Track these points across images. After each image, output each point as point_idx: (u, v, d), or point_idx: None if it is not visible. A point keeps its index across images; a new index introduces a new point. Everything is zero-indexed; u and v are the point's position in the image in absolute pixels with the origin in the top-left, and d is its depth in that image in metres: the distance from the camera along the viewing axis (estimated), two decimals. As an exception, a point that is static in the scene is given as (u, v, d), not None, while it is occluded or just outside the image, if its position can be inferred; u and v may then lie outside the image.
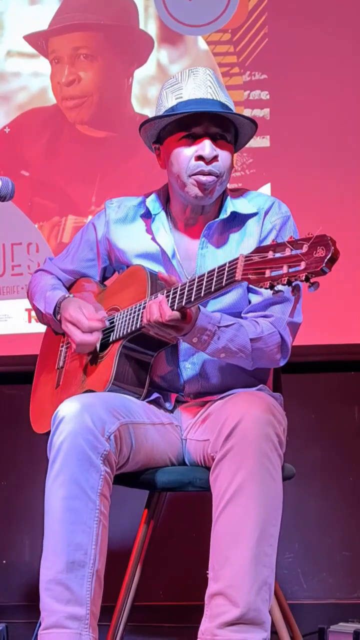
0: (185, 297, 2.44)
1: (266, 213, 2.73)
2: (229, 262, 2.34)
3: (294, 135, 3.92)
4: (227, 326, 2.55)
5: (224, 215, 2.71)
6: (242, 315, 2.70)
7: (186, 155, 2.64)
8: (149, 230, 2.78)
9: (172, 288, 2.49)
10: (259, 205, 2.75)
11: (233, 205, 2.73)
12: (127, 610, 2.85)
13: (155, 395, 2.71)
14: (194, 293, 2.42)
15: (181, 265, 2.75)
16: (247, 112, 3.93)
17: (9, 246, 4.03)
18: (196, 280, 2.42)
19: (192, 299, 2.42)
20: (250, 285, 2.65)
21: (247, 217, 2.73)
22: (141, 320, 2.54)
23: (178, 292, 2.46)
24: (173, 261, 2.74)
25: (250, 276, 2.24)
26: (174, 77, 2.70)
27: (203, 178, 2.63)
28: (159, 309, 2.45)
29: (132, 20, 4.05)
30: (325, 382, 3.92)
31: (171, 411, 2.74)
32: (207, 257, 2.71)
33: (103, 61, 4.05)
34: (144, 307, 2.56)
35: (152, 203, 2.79)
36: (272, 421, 2.40)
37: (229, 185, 2.78)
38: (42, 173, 4.06)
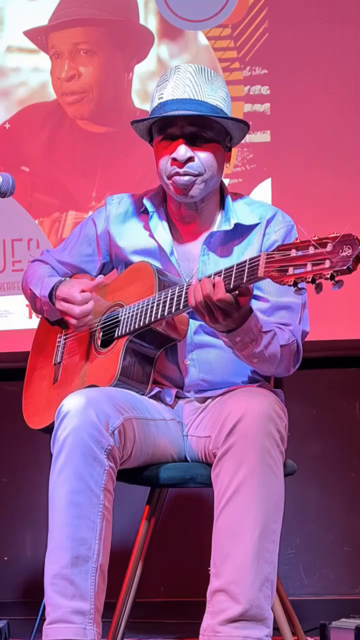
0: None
1: (268, 222, 2.73)
2: (249, 260, 2.32)
3: (295, 130, 3.91)
4: (266, 332, 2.53)
5: (227, 226, 2.71)
6: None
7: (163, 157, 2.65)
8: (147, 227, 2.78)
9: (186, 284, 2.48)
10: (261, 214, 2.74)
11: (236, 214, 2.72)
12: (129, 606, 2.85)
13: (156, 389, 2.71)
14: None
15: (179, 265, 2.74)
16: (247, 107, 3.92)
17: (9, 242, 4.03)
18: (213, 276, 2.42)
19: None
20: (255, 293, 2.67)
21: (250, 227, 2.73)
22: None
23: (184, 291, 2.46)
24: (171, 258, 2.74)
25: (273, 273, 2.23)
26: (165, 73, 2.70)
27: (178, 179, 2.63)
28: (216, 286, 2.38)
29: (132, 15, 4.05)
30: (326, 378, 3.92)
31: (172, 406, 2.74)
32: (208, 265, 2.70)
33: (103, 56, 4.05)
34: (152, 303, 2.56)
35: (151, 200, 2.79)
36: (273, 417, 2.40)
37: (230, 187, 2.78)
38: (43, 168, 4.06)
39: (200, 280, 2.41)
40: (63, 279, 2.81)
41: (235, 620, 2.32)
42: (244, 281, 2.33)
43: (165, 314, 2.54)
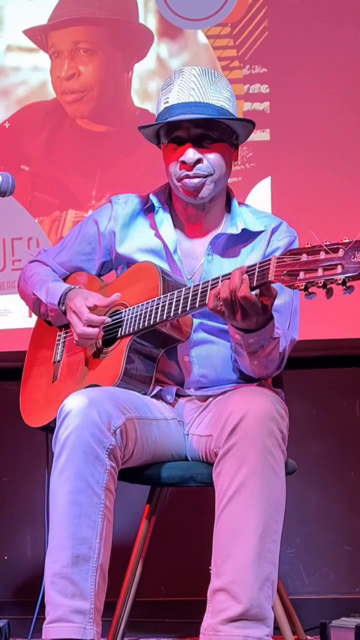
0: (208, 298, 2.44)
1: (274, 230, 2.75)
2: (259, 263, 2.33)
3: (294, 129, 3.91)
4: (274, 339, 2.54)
5: (234, 230, 2.73)
6: None
7: (172, 160, 2.68)
8: (152, 225, 2.79)
9: (193, 287, 2.49)
10: (267, 223, 2.77)
11: (243, 220, 2.74)
12: (129, 605, 2.85)
13: (157, 388, 2.71)
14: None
15: (181, 262, 2.75)
16: (247, 106, 3.92)
17: (9, 241, 4.02)
18: (220, 279, 2.42)
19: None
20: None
21: (255, 234, 2.74)
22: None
23: (200, 289, 2.47)
24: (174, 256, 2.74)
25: (283, 277, 2.23)
26: (169, 76, 2.72)
27: (188, 182, 2.65)
28: (243, 282, 2.36)
29: (131, 14, 4.04)
30: (326, 377, 3.92)
31: (172, 404, 2.74)
32: (212, 265, 2.71)
33: (103, 55, 4.04)
34: (157, 304, 2.56)
35: (157, 198, 2.80)
36: (275, 417, 2.40)
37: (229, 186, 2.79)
38: (42, 168, 4.06)
39: (230, 276, 2.39)
40: (73, 286, 2.80)
41: (235, 619, 2.32)
42: (254, 285, 2.33)
43: (172, 315, 2.55)
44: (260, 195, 3.83)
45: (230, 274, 2.38)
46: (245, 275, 2.35)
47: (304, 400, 3.84)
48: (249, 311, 2.37)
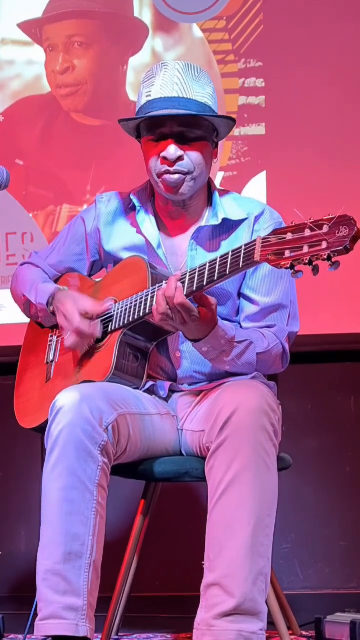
0: (196, 281, 2.43)
1: (257, 219, 2.74)
2: (245, 245, 2.34)
3: (290, 123, 3.91)
4: (239, 342, 2.55)
5: (215, 221, 2.72)
6: (242, 326, 2.70)
7: (153, 156, 2.66)
8: (134, 223, 2.79)
9: (182, 273, 2.48)
10: (249, 210, 2.75)
11: (224, 209, 2.73)
12: (124, 601, 2.85)
13: (149, 383, 2.71)
14: (206, 276, 2.41)
15: (167, 259, 2.74)
16: (242, 100, 3.92)
17: (4, 236, 4.02)
18: (207, 265, 2.42)
19: (205, 283, 2.41)
20: (244, 293, 2.67)
21: (237, 222, 2.73)
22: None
23: (187, 277, 2.46)
24: (159, 252, 2.74)
25: (269, 257, 2.24)
26: (150, 69, 2.69)
27: (168, 178, 2.63)
28: (177, 290, 2.43)
29: (126, 7, 4.04)
30: (322, 372, 3.92)
31: (166, 399, 2.73)
32: (197, 260, 2.70)
33: (98, 49, 4.04)
34: (146, 296, 2.56)
35: (138, 196, 2.80)
36: (267, 411, 2.40)
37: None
38: (37, 162, 4.05)
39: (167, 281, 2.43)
40: (60, 287, 2.81)
41: (229, 614, 2.31)
42: (240, 267, 2.34)
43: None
44: (256, 190, 3.83)
45: (205, 264, 2.41)
46: (179, 283, 2.42)
47: (299, 396, 3.84)
48: (185, 318, 2.43)
